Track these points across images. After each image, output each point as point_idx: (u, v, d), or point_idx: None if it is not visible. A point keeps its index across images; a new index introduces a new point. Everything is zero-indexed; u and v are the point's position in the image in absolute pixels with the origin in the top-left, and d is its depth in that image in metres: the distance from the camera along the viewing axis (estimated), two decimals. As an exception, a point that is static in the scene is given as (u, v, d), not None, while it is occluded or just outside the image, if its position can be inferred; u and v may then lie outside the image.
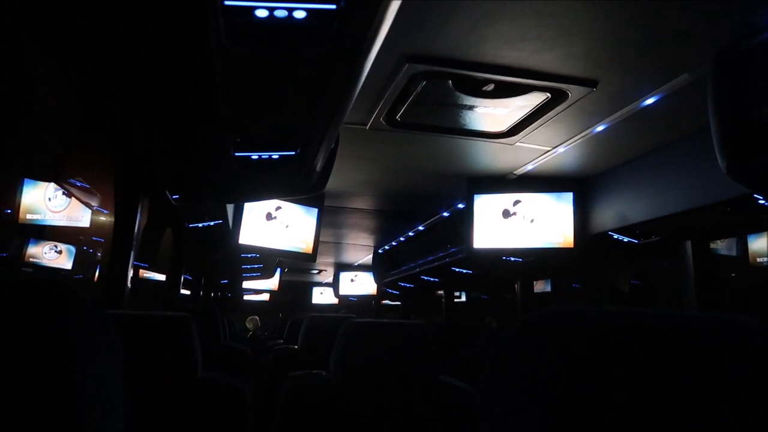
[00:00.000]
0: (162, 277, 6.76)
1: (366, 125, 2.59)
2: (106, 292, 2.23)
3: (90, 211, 4.18)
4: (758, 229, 4.03)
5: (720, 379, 0.44)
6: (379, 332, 1.54)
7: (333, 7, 1.01)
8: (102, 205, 3.59)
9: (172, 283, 4.45)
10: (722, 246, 4.53)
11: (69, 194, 3.72)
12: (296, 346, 2.94)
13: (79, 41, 1.28)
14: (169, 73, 1.32)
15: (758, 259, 4.44)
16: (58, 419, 0.39)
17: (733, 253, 4.53)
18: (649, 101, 2.14)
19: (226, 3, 0.98)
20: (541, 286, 7.68)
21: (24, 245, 6.13)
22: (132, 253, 2.41)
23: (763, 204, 2.28)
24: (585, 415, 0.42)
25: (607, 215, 3.12)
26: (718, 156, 1.66)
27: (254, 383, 3.11)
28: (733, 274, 4.68)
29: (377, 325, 1.56)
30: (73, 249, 6.34)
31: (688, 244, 2.96)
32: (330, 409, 1.45)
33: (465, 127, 2.60)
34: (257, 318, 11.64)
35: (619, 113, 2.29)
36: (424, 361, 1.55)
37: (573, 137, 2.63)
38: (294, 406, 1.44)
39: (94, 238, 5.01)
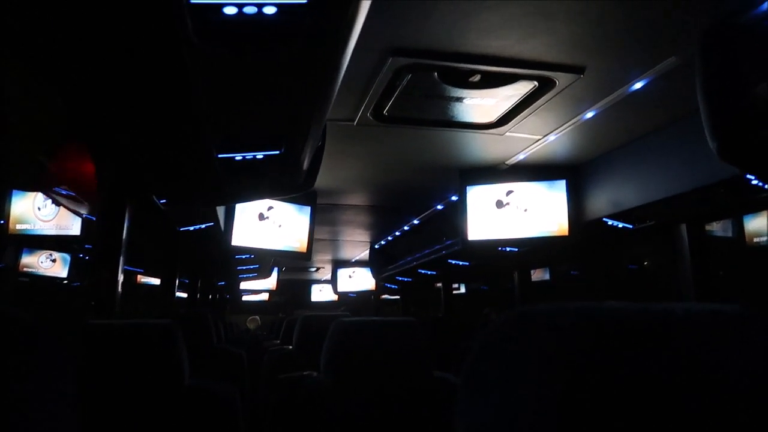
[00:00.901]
0: (158, 282, 6.75)
1: (353, 121, 2.56)
2: (95, 300, 2.20)
3: (80, 219, 4.14)
4: (753, 210, 4.02)
5: (705, 372, 0.42)
6: (368, 331, 1.51)
7: (303, 1, 0.98)
8: (91, 213, 3.56)
9: (166, 288, 4.42)
10: (718, 228, 4.52)
11: (57, 203, 3.68)
12: (291, 347, 2.92)
13: (50, 49, 1.25)
14: (142, 75, 1.29)
15: (755, 240, 4.43)
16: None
17: (729, 234, 4.52)
18: (638, 86, 2.11)
19: (192, 1, 0.95)
20: (539, 275, 7.66)
21: (18, 256, 6.10)
22: (121, 259, 2.38)
23: (756, 184, 2.26)
24: (561, 414, 0.40)
25: (601, 201, 3.10)
26: (708, 137, 1.63)
27: (250, 386, 3.08)
28: (729, 256, 4.67)
29: (366, 324, 1.54)
30: (68, 257, 6.31)
31: (683, 228, 2.94)
32: (321, 410, 1.43)
33: (454, 119, 2.57)
34: (257, 318, 11.64)
35: (607, 99, 2.27)
36: (416, 358, 1.53)
37: (563, 125, 2.61)
38: (284, 409, 1.42)
39: (87, 246, 4.97)
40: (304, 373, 1.57)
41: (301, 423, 1.42)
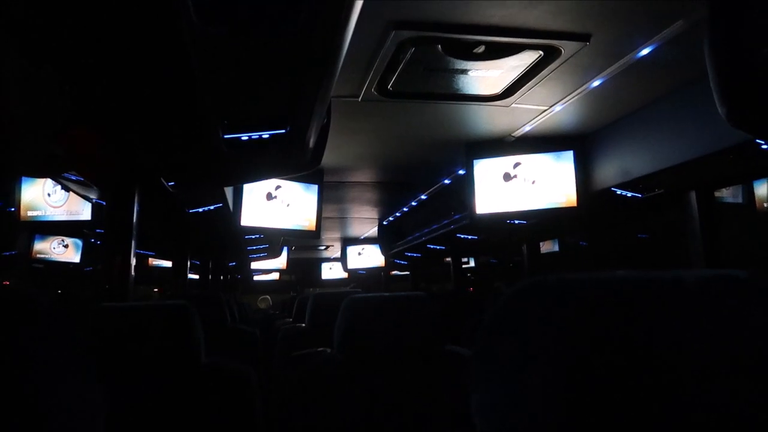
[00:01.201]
0: (171, 264, 6.81)
1: (358, 97, 2.55)
2: (108, 284, 2.23)
3: (90, 203, 4.17)
4: (763, 175, 3.98)
5: (720, 337, 0.42)
6: (380, 307, 1.53)
7: (304, -24, 0.97)
8: (101, 197, 3.58)
9: (178, 270, 4.47)
10: (727, 194, 4.48)
11: (66, 188, 3.71)
12: (304, 325, 2.95)
13: (55, 33, 1.25)
14: (146, 58, 1.28)
15: (765, 205, 4.39)
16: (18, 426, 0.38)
17: (739, 200, 4.48)
18: (645, 52, 2.08)
19: (192, -20, 0.94)
20: (548, 247, 7.65)
21: (30, 242, 6.17)
22: (133, 243, 2.40)
23: (766, 149, 2.23)
24: (575, 387, 0.41)
25: (609, 171, 3.08)
26: (717, 102, 1.61)
27: (264, 364, 3.13)
28: (739, 222, 4.64)
29: (378, 300, 1.55)
30: (80, 242, 6.37)
31: (693, 195, 2.92)
32: (335, 386, 1.45)
33: (459, 92, 2.55)
34: (268, 297, 11.76)
35: (614, 66, 2.23)
36: (428, 333, 1.55)
37: (569, 94, 2.58)
38: (298, 386, 1.44)
39: (98, 231, 5.01)
40: (318, 349, 1.59)
41: (315, 398, 1.45)
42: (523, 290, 0.48)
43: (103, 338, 1.31)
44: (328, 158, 3.58)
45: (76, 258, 6.35)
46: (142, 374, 1.31)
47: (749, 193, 4.44)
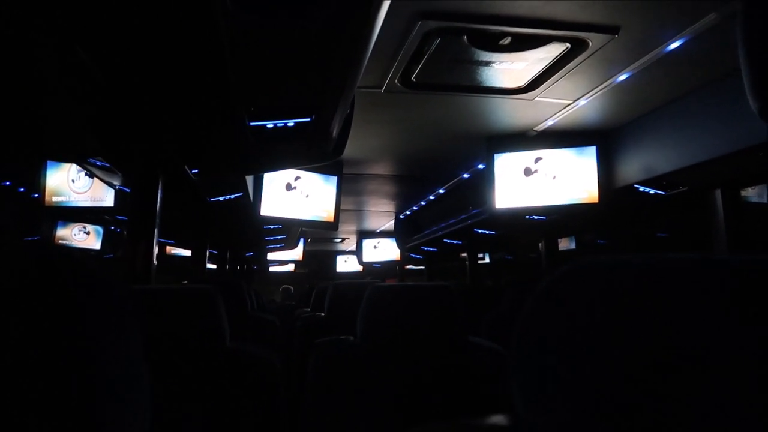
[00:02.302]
0: (189, 253, 6.88)
1: (381, 88, 2.55)
2: (131, 270, 2.26)
3: (113, 190, 4.22)
4: (791, 174, 3.90)
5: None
6: (404, 295, 1.53)
7: (339, -39, 0.97)
8: (124, 184, 3.62)
9: (197, 259, 4.51)
10: (753, 193, 4.40)
11: (91, 174, 3.75)
12: (323, 314, 2.96)
13: (86, 17, 1.26)
14: (176, 44, 1.29)
15: (790, 205, 4.31)
16: (75, 395, 0.39)
17: (765, 200, 4.41)
18: (674, 45, 2.05)
19: (229, -36, 0.95)
20: (565, 244, 7.59)
21: (53, 228, 6.27)
22: (156, 230, 2.43)
23: (797, 146, 2.19)
24: (622, 368, 0.40)
25: (633, 167, 3.04)
26: (749, 98, 1.58)
27: (283, 352, 3.16)
28: (765, 222, 4.56)
29: (402, 289, 1.55)
30: (101, 229, 6.46)
31: (718, 193, 2.88)
32: (359, 374, 1.46)
33: (482, 85, 2.53)
34: (291, 288, 11.83)
35: (642, 60, 2.20)
36: (451, 322, 1.55)
37: (595, 88, 2.55)
38: (323, 372, 1.45)
39: (119, 218, 5.08)
40: (341, 337, 1.60)
41: (339, 385, 1.46)
42: (566, 274, 0.48)
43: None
44: (349, 149, 3.57)
45: (96, 245, 6.45)
46: (168, 356, 1.32)
47: (774, 192, 4.36)
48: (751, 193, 4.42)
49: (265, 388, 1.37)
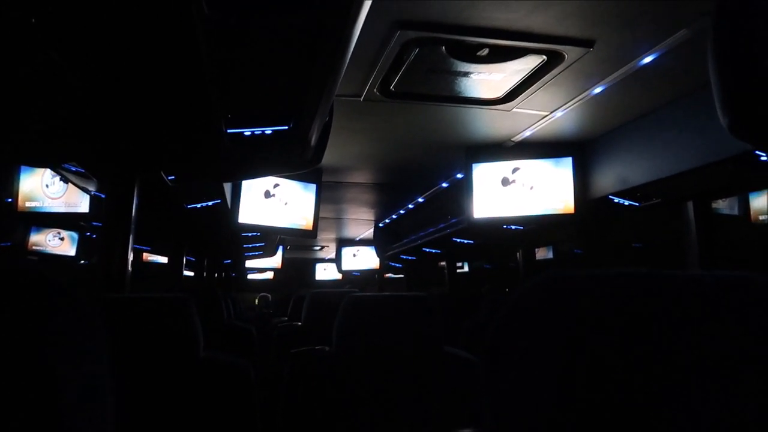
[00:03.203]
0: (166, 260, 6.78)
1: (360, 97, 2.55)
2: (105, 278, 2.22)
3: (88, 196, 4.15)
4: (759, 187, 4.00)
5: (738, 336, 0.42)
6: (380, 306, 1.53)
7: (316, -30, 0.97)
8: (100, 190, 3.56)
9: (174, 266, 4.45)
10: (723, 205, 4.50)
11: (66, 179, 3.69)
12: (300, 323, 2.94)
13: (58, 19, 1.24)
14: (152, 48, 1.28)
15: (760, 217, 4.41)
16: (36, 408, 0.38)
17: (735, 212, 4.50)
18: (648, 59, 2.09)
19: (205, -30, 0.94)
20: (543, 254, 7.67)
21: (26, 234, 6.14)
22: (131, 237, 2.39)
23: (766, 160, 2.25)
24: (594, 379, 0.41)
25: (608, 179, 3.09)
26: (719, 112, 1.62)
27: (259, 361, 3.13)
28: (734, 233, 4.66)
29: (378, 299, 1.55)
30: (75, 235, 6.34)
31: (690, 205, 2.94)
32: (333, 384, 1.45)
33: (461, 95, 2.56)
34: (268, 295, 11.73)
35: (617, 73, 2.25)
36: (427, 333, 1.55)
37: (571, 100, 2.59)
38: (297, 383, 1.44)
39: (95, 224, 5.00)
40: (316, 347, 1.59)
41: (313, 395, 1.45)
42: (535, 287, 0.48)
43: (108, 328, 1.30)
44: (328, 158, 3.56)
45: (71, 251, 6.32)
46: (141, 365, 1.30)
47: (745, 204, 4.46)
48: (722, 205, 4.52)
49: (239, 398, 1.35)
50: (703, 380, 0.40)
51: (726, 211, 4.57)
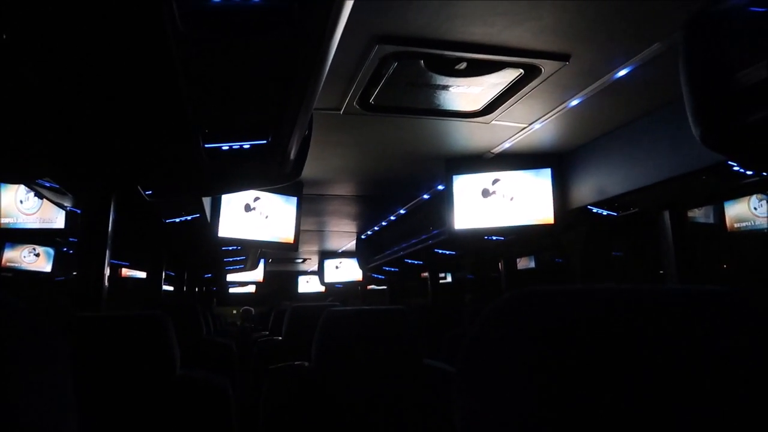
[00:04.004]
0: (145, 275, 6.69)
1: (340, 110, 2.56)
2: (80, 295, 2.18)
3: (64, 212, 4.08)
4: (733, 196, 4.08)
5: (704, 350, 0.42)
6: (359, 320, 1.52)
7: (291, -13, 0.97)
8: (75, 205, 3.51)
9: (153, 281, 4.39)
10: (699, 214, 4.58)
11: (40, 195, 3.63)
12: (281, 338, 2.92)
13: (32, 34, 1.23)
14: (126, 64, 1.27)
15: (735, 225, 4.50)
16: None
17: (711, 220, 4.59)
18: (622, 72, 2.13)
19: (178, -13, 0.94)
20: (525, 263, 7.71)
21: (1, 250, 6.02)
22: (107, 252, 2.36)
23: (738, 170, 2.29)
24: (563, 394, 0.41)
25: (586, 189, 3.13)
26: (691, 124, 1.65)
27: (240, 377, 3.08)
28: (711, 241, 4.74)
29: (357, 313, 1.54)
30: (51, 251, 6.23)
31: (666, 214, 2.98)
32: (313, 400, 1.43)
33: (440, 108, 2.57)
34: (251, 309, 11.62)
35: (593, 86, 2.28)
36: (407, 347, 1.54)
37: (548, 113, 2.62)
38: (276, 399, 1.42)
39: (71, 240, 4.92)
40: (295, 363, 1.57)
41: (293, 413, 1.43)
42: (506, 302, 0.49)
43: (76, 349, 1.27)
44: (308, 171, 3.57)
45: (47, 267, 6.21)
46: (116, 386, 1.28)
47: (720, 213, 4.55)
48: (698, 214, 4.59)
49: (217, 417, 1.33)
50: (671, 393, 0.41)
51: (702, 220, 4.65)
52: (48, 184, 2.74)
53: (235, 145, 1.81)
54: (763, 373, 0.41)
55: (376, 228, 6.02)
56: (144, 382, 1.29)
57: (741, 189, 3.32)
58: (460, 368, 0.51)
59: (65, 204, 3.43)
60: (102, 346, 1.28)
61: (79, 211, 3.31)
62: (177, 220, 3.40)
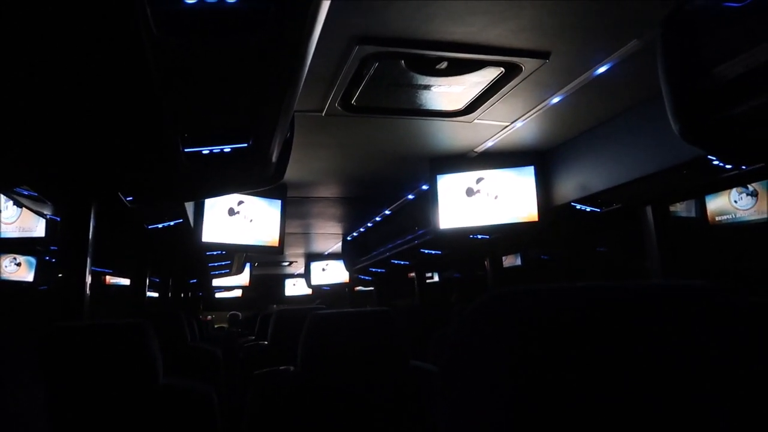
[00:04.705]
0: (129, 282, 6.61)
1: (322, 112, 2.54)
2: (62, 304, 2.15)
3: (44, 220, 4.02)
4: (715, 190, 4.13)
5: (681, 345, 0.42)
6: (343, 323, 1.51)
7: (266, -12, 0.96)
8: (55, 213, 3.45)
9: (136, 288, 4.34)
10: (681, 208, 4.63)
11: (19, 204, 3.57)
12: (266, 342, 2.90)
13: (6, 41, 1.20)
14: (102, 70, 1.25)
15: (717, 218, 4.56)
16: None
17: (693, 214, 4.64)
18: (602, 69, 2.14)
19: (151, -10, 0.92)
20: (511, 261, 7.75)
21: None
22: (89, 260, 2.32)
23: (718, 165, 2.31)
24: (540, 394, 0.41)
25: (569, 186, 3.14)
26: (671, 120, 1.67)
27: (226, 383, 3.06)
28: (693, 235, 4.80)
29: (342, 316, 1.53)
30: (33, 260, 6.13)
31: (649, 209, 3.01)
32: (298, 405, 1.42)
33: (422, 107, 2.57)
34: (238, 314, 11.55)
35: (573, 83, 2.29)
36: (392, 348, 1.53)
37: (530, 111, 2.63)
38: (261, 405, 1.41)
39: (52, 248, 4.85)
40: (281, 368, 1.55)
41: (278, 418, 1.42)
42: (483, 304, 0.48)
43: (57, 359, 1.25)
44: (292, 173, 3.56)
45: (29, 276, 6.11)
46: (98, 396, 1.25)
47: (702, 207, 4.60)
48: (680, 208, 4.65)
49: (201, 425, 1.31)
50: (650, 388, 0.41)
51: (684, 214, 4.71)
52: (26, 193, 2.70)
53: (216, 149, 1.79)
54: (739, 365, 0.41)
55: (361, 229, 6.01)
56: (126, 391, 1.27)
57: (722, 183, 3.36)
58: (442, 369, 0.51)
59: (45, 212, 3.38)
60: (83, 356, 1.26)
61: (59, 219, 3.27)
62: (160, 226, 3.36)
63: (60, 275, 2.30)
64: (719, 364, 0.42)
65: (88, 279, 2.33)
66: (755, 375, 0.41)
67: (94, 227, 2.33)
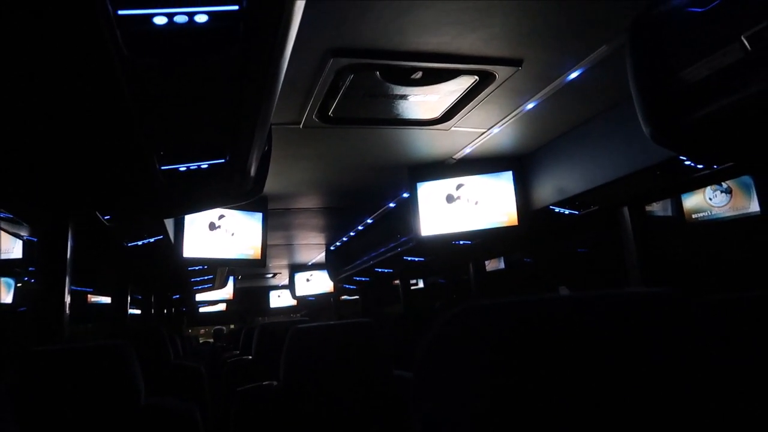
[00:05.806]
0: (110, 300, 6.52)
1: (299, 124, 2.55)
2: (40, 327, 2.12)
3: (21, 241, 3.96)
4: (688, 189, 4.20)
5: (645, 350, 0.44)
6: (325, 336, 1.51)
7: (236, 8, 0.97)
8: (33, 234, 3.41)
9: (118, 306, 4.29)
10: (658, 208, 4.71)
11: (-6, 226, 3.51)
12: (251, 357, 2.88)
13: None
14: (74, 91, 1.24)
15: (693, 216, 4.65)
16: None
17: (669, 213, 4.72)
18: (573, 75, 2.18)
19: (120, 13, 0.92)
20: (495, 264, 7.80)
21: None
22: (67, 280, 2.29)
23: (690, 165, 2.36)
24: (508, 403, 0.42)
25: (547, 190, 3.18)
26: (642, 123, 1.70)
27: (210, 400, 3.03)
28: (670, 233, 4.87)
29: (323, 329, 1.53)
30: (11, 281, 6.03)
31: (625, 210, 3.05)
32: (282, 420, 1.42)
33: (399, 117, 2.59)
34: (223, 328, 11.45)
35: (546, 89, 2.33)
36: (375, 359, 1.54)
37: (506, 117, 2.66)
38: (244, 422, 1.40)
39: (30, 269, 4.78)
40: (264, 383, 1.55)
41: (263, 433, 1.41)
42: (454, 316, 0.49)
43: (35, 384, 1.23)
44: (272, 186, 3.55)
45: (8, 298, 6.00)
46: (79, 420, 1.24)
47: (678, 206, 4.68)
48: (656, 208, 4.72)
49: (185, 444, 1.30)
50: (610, 391, 0.42)
51: (661, 213, 4.79)
52: (2, 214, 2.66)
53: (193, 166, 1.79)
54: (696, 368, 0.42)
55: (344, 239, 6.01)
56: (108, 414, 1.26)
57: (694, 182, 3.42)
58: (415, 378, 0.52)
59: (21, 233, 3.33)
60: (62, 380, 1.24)
61: (36, 240, 3.22)
62: (140, 243, 3.33)
63: (38, 296, 2.27)
64: (681, 367, 0.44)
65: (68, 299, 2.30)
66: (707, 369, 0.43)
67: (72, 246, 2.31)
